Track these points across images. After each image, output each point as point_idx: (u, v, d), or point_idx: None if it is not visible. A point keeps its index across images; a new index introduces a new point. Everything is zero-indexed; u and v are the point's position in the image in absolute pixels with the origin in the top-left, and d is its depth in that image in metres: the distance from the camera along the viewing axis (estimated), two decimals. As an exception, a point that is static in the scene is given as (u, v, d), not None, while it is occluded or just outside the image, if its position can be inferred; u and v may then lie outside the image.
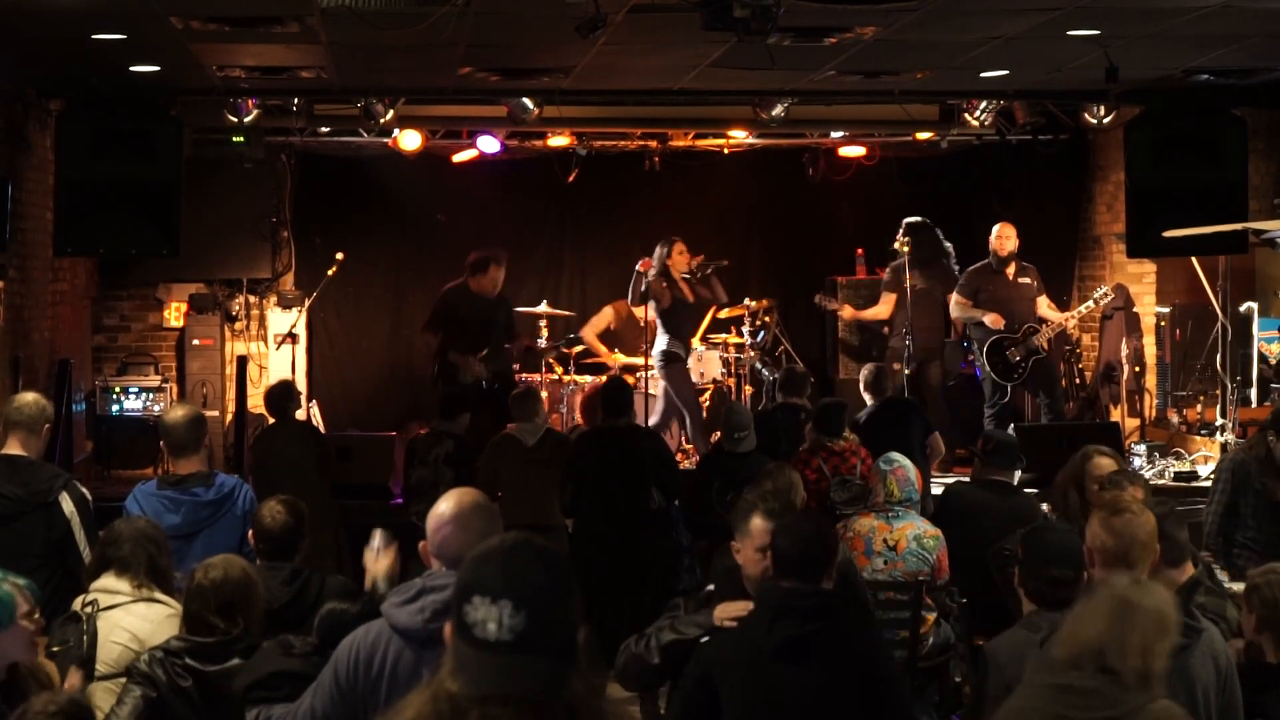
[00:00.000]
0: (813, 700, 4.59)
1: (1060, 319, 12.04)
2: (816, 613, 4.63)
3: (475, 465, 9.42)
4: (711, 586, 5.42)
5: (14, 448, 6.38)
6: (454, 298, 11.63)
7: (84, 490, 6.45)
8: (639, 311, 12.76)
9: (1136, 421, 12.53)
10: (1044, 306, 12.02)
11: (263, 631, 4.94)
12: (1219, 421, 11.14)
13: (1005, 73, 10.48)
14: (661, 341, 12.01)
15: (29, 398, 6.58)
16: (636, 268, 12.11)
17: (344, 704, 3.87)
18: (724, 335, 12.95)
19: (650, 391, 11.96)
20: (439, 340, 11.53)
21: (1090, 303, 12.22)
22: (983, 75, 10.52)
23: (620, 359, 12.84)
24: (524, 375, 12.23)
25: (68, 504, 6.27)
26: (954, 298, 12.05)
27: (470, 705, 2.42)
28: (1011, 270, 11.98)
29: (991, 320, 11.80)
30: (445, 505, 3.94)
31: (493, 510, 3.97)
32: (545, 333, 12.61)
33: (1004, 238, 11.94)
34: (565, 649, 2.49)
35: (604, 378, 12.26)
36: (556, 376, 12.48)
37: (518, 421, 9.38)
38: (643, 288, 11.85)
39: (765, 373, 12.15)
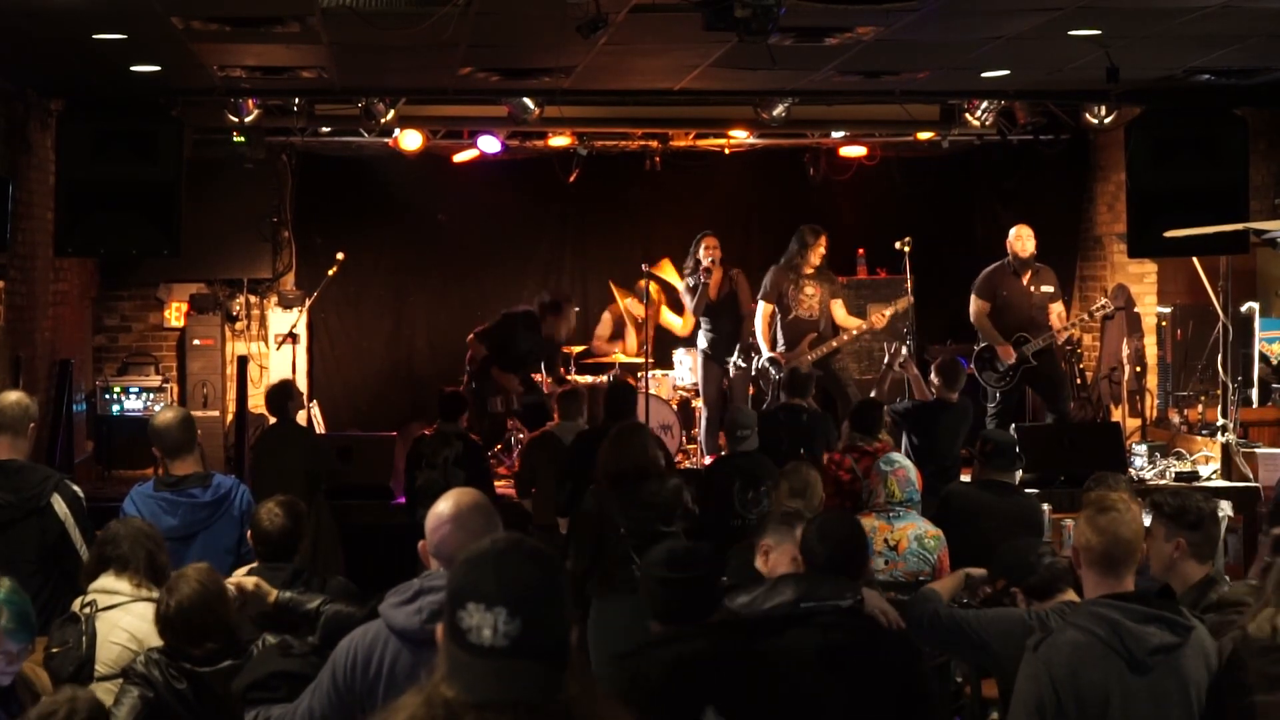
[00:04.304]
0: (849, 709, 4.59)
1: (1056, 329, 11.89)
2: (852, 622, 4.65)
3: (485, 466, 9.45)
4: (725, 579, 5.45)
5: (2, 451, 6.26)
6: (518, 329, 11.74)
7: (76, 489, 6.33)
8: (638, 310, 12.85)
9: (1137, 421, 12.53)
10: (1054, 315, 11.91)
11: (252, 627, 4.98)
12: (1220, 422, 11.13)
13: (1006, 73, 10.48)
14: (702, 340, 12.20)
15: (11, 398, 6.41)
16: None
17: (342, 704, 3.86)
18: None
19: (651, 391, 11.97)
20: (485, 352, 11.63)
21: (1086, 315, 12.27)
22: (984, 75, 10.52)
23: (621, 358, 12.85)
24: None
25: (60, 506, 6.18)
26: (973, 300, 11.92)
27: (466, 711, 2.42)
28: (1028, 275, 11.86)
29: (1003, 353, 11.72)
30: (444, 505, 3.94)
31: (491, 510, 3.97)
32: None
33: (1023, 239, 11.79)
34: (560, 651, 2.48)
35: (604, 378, 12.31)
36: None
37: (562, 419, 9.43)
38: (695, 285, 12.01)
39: (771, 372, 12.14)
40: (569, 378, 12.43)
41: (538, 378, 12.13)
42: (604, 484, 7.23)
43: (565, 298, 12.33)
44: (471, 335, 12.10)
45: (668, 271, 12.65)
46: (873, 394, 11.49)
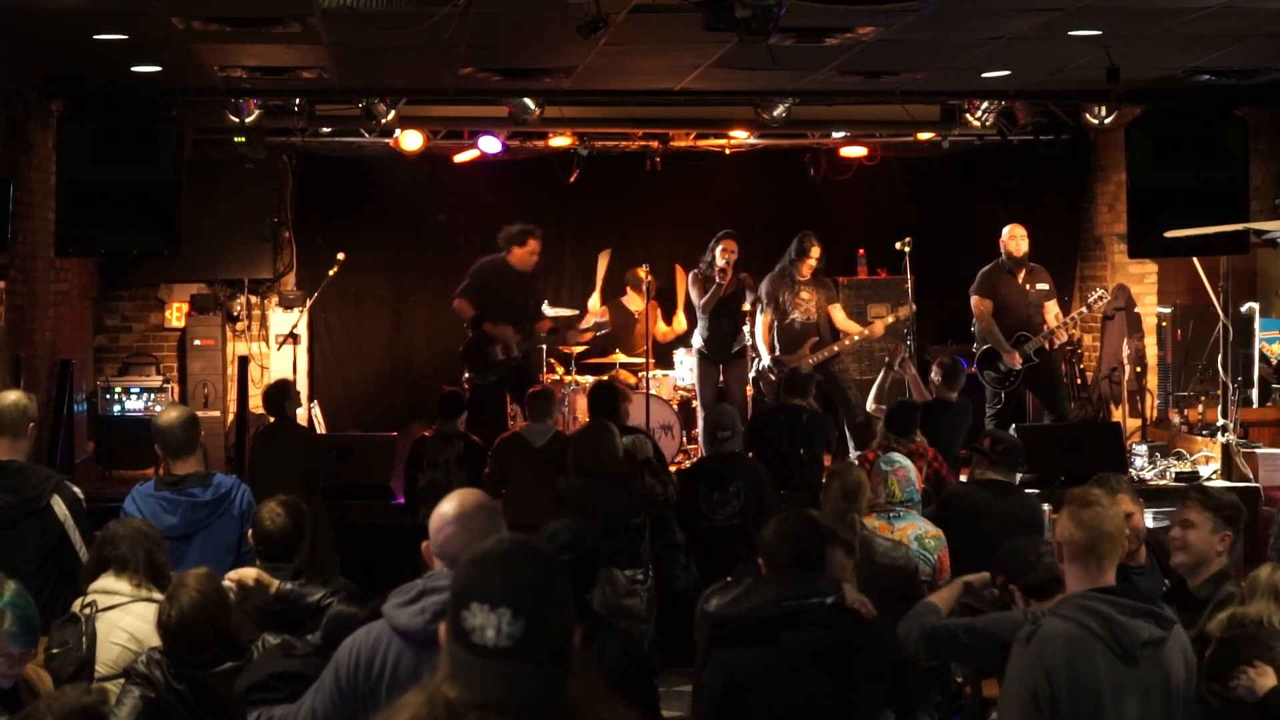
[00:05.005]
0: (842, 703, 4.61)
1: (1053, 326, 11.90)
2: (839, 616, 4.66)
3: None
4: (730, 579, 5.49)
5: (1, 452, 6.24)
6: (490, 270, 11.68)
7: (76, 490, 6.33)
8: (633, 305, 12.87)
9: (1138, 422, 12.53)
10: (1050, 314, 11.92)
11: (252, 627, 4.98)
12: (1220, 422, 11.13)
13: (1006, 73, 10.48)
14: (697, 339, 12.24)
15: (9, 398, 6.39)
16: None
17: (344, 705, 3.86)
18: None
19: (652, 391, 11.97)
20: (472, 311, 11.53)
21: (1084, 309, 12.26)
22: (984, 75, 10.52)
23: (622, 358, 12.85)
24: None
25: (60, 507, 6.17)
26: (974, 299, 11.92)
27: (468, 711, 2.42)
28: (1023, 274, 11.90)
29: (1009, 359, 11.72)
30: (448, 505, 3.94)
31: (495, 510, 3.97)
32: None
33: (1017, 238, 11.84)
34: (562, 653, 2.49)
35: (605, 379, 12.31)
36: (557, 376, 12.48)
37: (531, 420, 9.43)
38: (705, 276, 12.09)
39: (771, 373, 12.14)
40: (571, 378, 12.43)
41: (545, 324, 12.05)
42: (573, 478, 8.01)
43: (530, 227, 11.97)
44: (454, 296, 11.83)
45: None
46: (872, 394, 11.49)
